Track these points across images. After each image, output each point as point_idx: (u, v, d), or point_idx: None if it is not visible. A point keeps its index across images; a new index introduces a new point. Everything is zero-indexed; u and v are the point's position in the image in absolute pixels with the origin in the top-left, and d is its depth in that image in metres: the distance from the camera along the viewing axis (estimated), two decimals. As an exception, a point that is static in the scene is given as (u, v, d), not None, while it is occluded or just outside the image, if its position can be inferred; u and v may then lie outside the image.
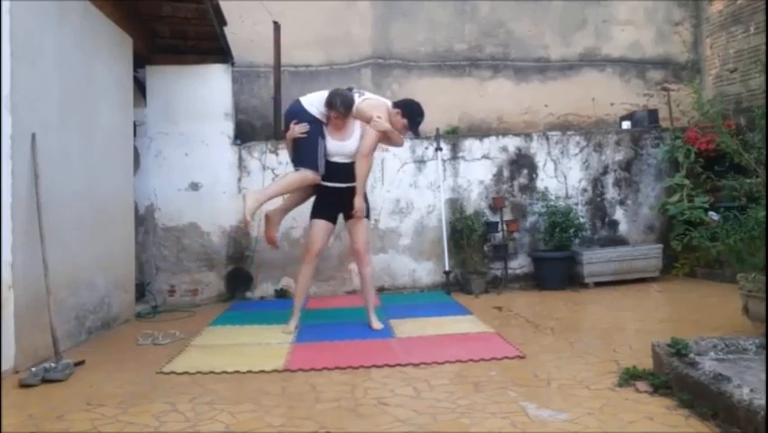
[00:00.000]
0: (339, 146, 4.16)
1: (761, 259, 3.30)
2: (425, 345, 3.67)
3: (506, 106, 7.04)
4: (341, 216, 4.33)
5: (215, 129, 5.86)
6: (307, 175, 4.12)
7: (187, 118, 5.79)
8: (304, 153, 4.14)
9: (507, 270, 6.00)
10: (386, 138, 4.27)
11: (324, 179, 4.17)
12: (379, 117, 4.12)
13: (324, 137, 4.15)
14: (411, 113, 4.26)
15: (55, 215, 3.62)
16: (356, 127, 4.21)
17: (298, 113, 4.19)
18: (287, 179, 4.24)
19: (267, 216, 4.36)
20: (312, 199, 4.37)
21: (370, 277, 4.29)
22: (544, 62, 7.14)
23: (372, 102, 4.25)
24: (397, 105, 4.30)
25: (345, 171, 4.19)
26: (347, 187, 4.20)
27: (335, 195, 4.22)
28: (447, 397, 2.71)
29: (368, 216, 4.35)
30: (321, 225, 4.22)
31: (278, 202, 4.52)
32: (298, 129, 4.12)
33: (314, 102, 4.19)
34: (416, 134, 4.48)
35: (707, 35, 6.98)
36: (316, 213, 4.27)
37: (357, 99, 4.18)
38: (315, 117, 4.15)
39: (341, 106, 4.05)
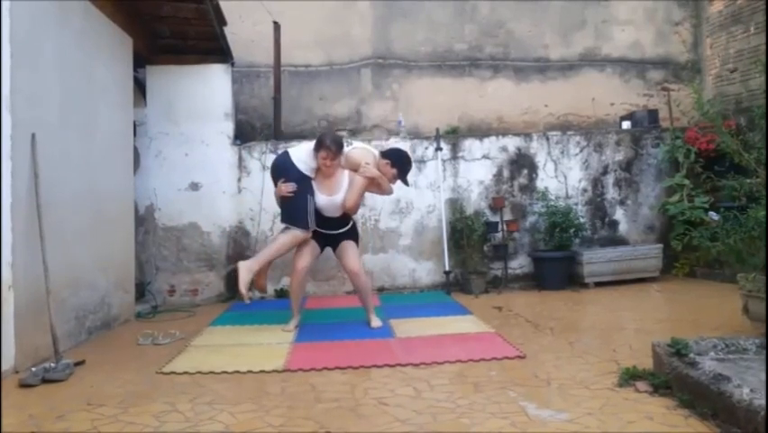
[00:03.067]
0: (329, 201, 4.14)
1: (761, 259, 3.30)
2: (425, 345, 3.67)
3: (506, 106, 7.04)
4: None
5: (215, 129, 5.86)
6: (298, 235, 4.11)
7: (187, 118, 5.79)
8: (293, 212, 4.12)
9: (507, 270, 6.01)
10: (375, 186, 4.26)
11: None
12: (367, 164, 4.11)
13: (312, 194, 4.12)
14: (401, 162, 4.25)
15: (55, 215, 3.62)
16: (344, 179, 4.16)
17: (286, 168, 4.14)
18: (278, 243, 4.17)
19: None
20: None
21: (366, 286, 4.28)
22: (544, 62, 7.15)
23: (360, 151, 4.24)
24: (385, 155, 4.27)
25: (335, 222, 4.23)
26: (337, 233, 4.24)
27: (325, 237, 4.26)
28: (447, 397, 2.71)
29: (357, 243, 4.34)
30: (309, 245, 4.21)
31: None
32: (285, 189, 4.09)
33: (302, 156, 4.14)
34: (406, 184, 4.42)
35: (707, 35, 6.98)
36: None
37: (345, 148, 4.18)
38: (303, 174, 4.11)
39: (332, 144, 4.02)
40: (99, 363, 3.48)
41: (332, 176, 4.14)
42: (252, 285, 4.37)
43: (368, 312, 4.29)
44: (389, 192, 4.45)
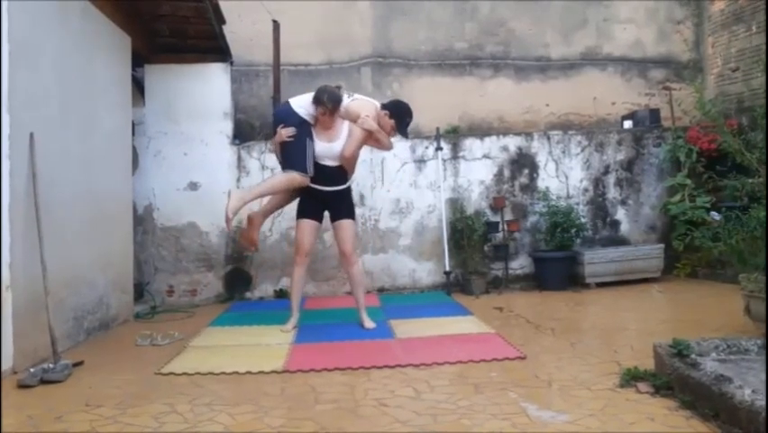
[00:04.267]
0: (327, 148, 4.15)
1: (762, 259, 3.28)
2: (425, 346, 3.66)
3: (506, 106, 7.02)
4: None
5: (214, 128, 5.85)
6: (295, 177, 4.09)
7: (186, 118, 5.78)
8: (292, 155, 4.12)
9: (508, 270, 5.99)
10: (373, 140, 4.26)
11: (311, 181, 4.15)
12: (367, 116, 4.12)
13: (312, 139, 4.13)
14: (399, 113, 4.25)
15: (53, 215, 3.61)
16: (344, 129, 4.19)
17: (286, 115, 4.16)
18: (273, 180, 4.20)
19: (249, 218, 4.34)
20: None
21: (358, 275, 4.30)
22: (545, 61, 7.13)
23: (361, 102, 4.25)
24: (385, 106, 4.30)
25: (332, 175, 4.20)
26: (334, 190, 4.21)
27: (321, 197, 4.22)
28: (447, 398, 2.69)
29: (353, 218, 4.34)
30: (307, 224, 4.22)
31: (259, 203, 4.48)
32: (285, 132, 4.09)
33: (302, 103, 4.17)
34: (405, 135, 4.45)
35: (708, 34, 6.96)
36: (302, 213, 4.27)
37: (345, 99, 4.17)
38: (303, 119, 4.12)
39: (328, 102, 4.02)
40: (98, 363, 3.47)
41: (331, 126, 4.15)
42: (244, 237, 4.37)
43: (360, 311, 4.28)
44: (389, 147, 4.47)
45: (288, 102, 4.30)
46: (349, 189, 4.38)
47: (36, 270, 3.36)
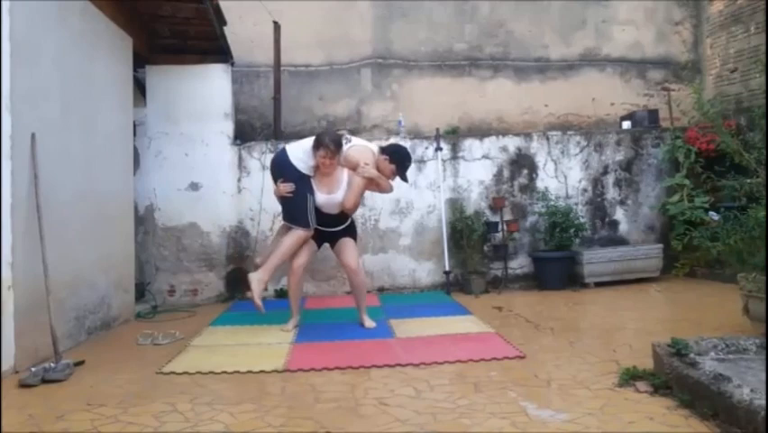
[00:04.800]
0: (328, 199, 4.14)
1: (761, 259, 3.29)
2: (425, 345, 3.67)
3: (506, 106, 7.04)
4: None
5: (215, 129, 5.86)
6: (300, 234, 4.11)
7: (186, 118, 5.79)
8: (293, 212, 4.14)
9: (508, 270, 6.00)
10: (374, 185, 4.25)
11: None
12: (366, 164, 4.10)
13: (312, 192, 4.12)
14: (399, 159, 4.25)
15: (55, 215, 3.62)
16: (343, 177, 4.16)
17: (285, 168, 4.14)
18: (284, 247, 4.14)
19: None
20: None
21: (362, 284, 4.28)
22: (544, 62, 7.14)
23: (359, 148, 4.22)
24: (384, 150, 4.28)
25: (335, 218, 4.23)
26: (337, 230, 4.25)
27: (323, 235, 4.27)
28: (447, 397, 2.71)
29: (355, 239, 4.34)
30: (307, 242, 4.21)
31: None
32: (284, 189, 4.10)
33: (299, 155, 4.13)
34: (405, 180, 4.40)
35: (707, 35, 6.98)
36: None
37: (344, 146, 4.15)
38: (301, 173, 4.10)
39: (330, 143, 4.00)
40: (99, 363, 3.48)
41: (331, 174, 4.13)
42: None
43: (360, 312, 4.30)
44: (389, 190, 4.44)
45: (285, 151, 4.24)
46: (352, 223, 4.39)
47: (37, 269, 3.37)
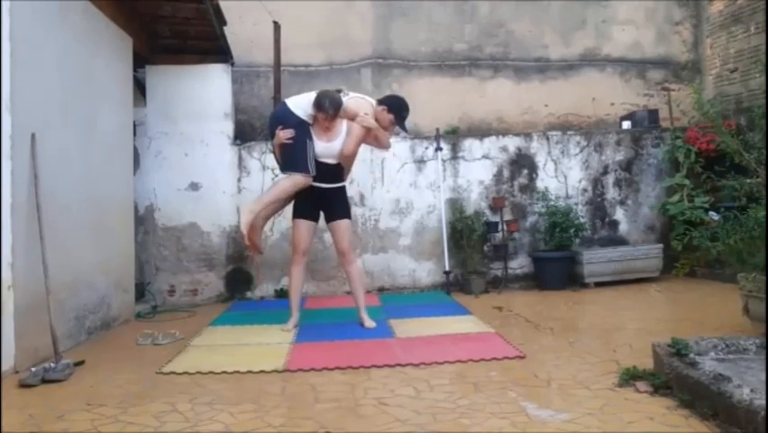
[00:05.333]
0: (326, 147, 4.16)
1: (761, 259, 3.29)
2: (425, 345, 3.67)
3: (506, 106, 7.03)
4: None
5: (215, 129, 5.86)
6: (299, 179, 4.11)
7: (186, 118, 5.79)
8: (293, 157, 4.13)
9: (507, 270, 6.00)
10: (372, 138, 4.27)
11: None
12: (365, 114, 4.13)
13: (311, 138, 4.13)
14: (397, 108, 4.27)
15: (55, 215, 3.62)
16: (342, 127, 4.19)
17: (284, 116, 4.16)
18: (279, 186, 4.19)
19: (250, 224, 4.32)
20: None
21: (357, 274, 4.31)
22: (544, 62, 7.14)
23: (357, 100, 4.26)
24: (382, 101, 4.32)
25: (331, 172, 4.22)
26: (331, 187, 4.23)
27: (319, 195, 4.23)
28: (447, 397, 2.71)
29: (349, 218, 4.36)
30: (304, 224, 4.25)
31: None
32: (284, 135, 4.09)
33: (300, 104, 4.17)
34: (404, 129, 4.45)
35: (707, 35, 6.97)
36: (299, 213, 4.28)
37: (343, 99, 4.18)
38: (301, 119, 4.12)
39: (329, 108, 4.03)
40: (99, 363, 3.48)
41: (330, 128, 4.16)
42: (248, 243, 4.37)
43: (360, 310, 4.29)
44: (387, 146, 4.48)
45: (284, 102, 4.30)
46: (344, 188, 4.41)
47: (37, 270, 3.37)
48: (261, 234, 4.49)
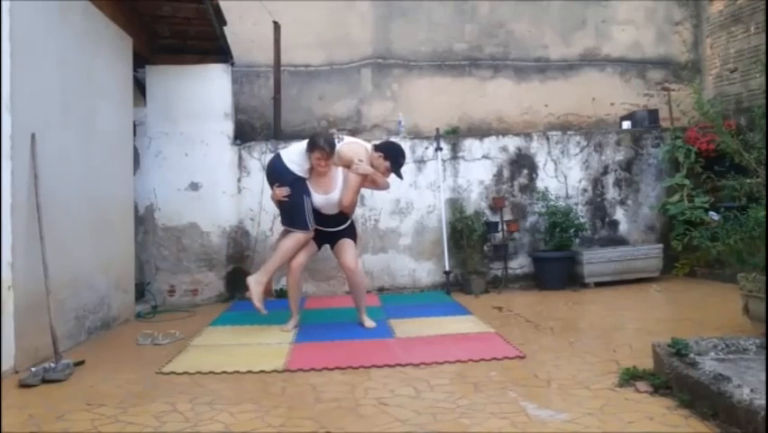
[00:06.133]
0: (324, 200, 4.14)
1: (761, 259, 3.29)
2: (425, 345, 3.67)
3: (506, 106, 7.04)
4: None
5: (215, 129, 5.86)
6: (300, 237, 4.11)
7: (186, 118, 5.79)
8: (292, 215, 4.13)
9: (507, 270, 6.00)
10: (370, 182, 4.25)
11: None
12: (360, 161, 4.10)
13: (308, 194, 4.12)
14: (394, 156, 4.24)
15: (55, 215, 3.62)
16: (338, 176, 4.17)
17: (280, 172, 4.15)
18: (282, 249, 4.15)
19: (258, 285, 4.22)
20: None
21: (361, 284, 4.27)
22: (544, 62, 7.14)
23: (352, 146, 4.22)
24: (378, 148, 4.27)
25: (334, 218, 4.23)
26: (336, 230, 4.25)
27: (324, 235, 4.26)
28: (447, 397, 2.71)
29: (355, 240, 4.33)
30: (306, 244, 4.21)
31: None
32: (280, 193, 4.10)
33: (294, 158, 4.14)
34: (399, 177, 4.37)
35: (707, 35, 6.98)
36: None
37: (337, 144, 4.15)
38: (297, 176, 4.11)
39: (325, 145, 4.00)
40: (99, 363, 3.48)
41: (326, 174, 4.13)
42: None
43: (360, 312, 4.30)
44: (386, 187, 4.44)
45: (278, 155, 4.25)
46: (351, 224, 4.38)
47: (37, 270, 3.37)
48: (272, 282, 4.56)
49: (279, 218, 4.38)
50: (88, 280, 4.15)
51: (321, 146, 4.00)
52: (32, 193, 3.41)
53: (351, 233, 4.34)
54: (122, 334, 4.35)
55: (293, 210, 4.11)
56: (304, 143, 4.14)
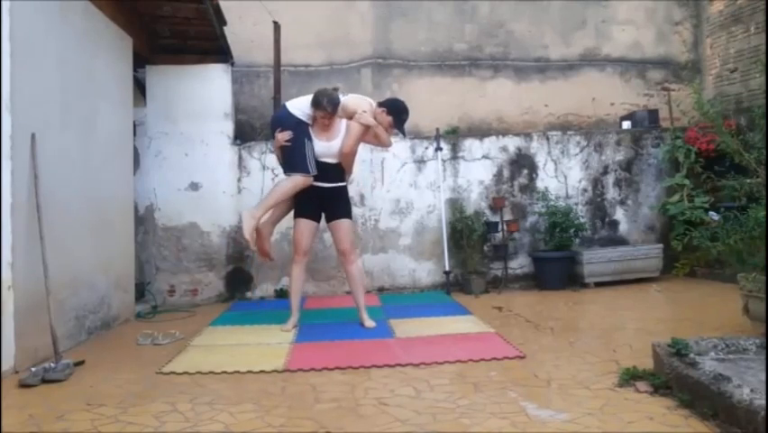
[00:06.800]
0: (326, 147, 4.17)
1: (761, 259, 3.29)
2: (425, 345, 3.67)
3: (506, 106, 7.03)
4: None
5: (215, 129, 5.86)
6: (298, 179, 4.12)
7: (186, 118, 5.79)
8: (293, 158, 4.14)
9: (507, 270, 6.00)
10: (372, 136, 4.28)
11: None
12: (363, 112, 4.13)
13: (310, 138, 4.15)
14: (396, 111, 4.27)
15: (55, 215, 3.62)
16: (341, 126, 4.21)
17: (282, 118, 4.19)
18: (280, 188, 4.20)
19: (257, 231, 4.29)
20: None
21: (357, 274, 4.30)
22: (544, 62, 7.14)
23: (356, 98, 4.27)
24: (382, 104, 4.32)
25: (332, 171, 4.24)
26: (332, 187, 4.24)
27: (320, 194, 4.24)
28: (447, 397, 2.71)
29: (350, 217, 4.37)
30: (305, 223, 4.25)
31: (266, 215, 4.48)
32: (281, 137, 4.12)
33: (298, 105, 4.19)
34: (402, 132, 4.45)
35: (707, 35, 6.97)
36: (300, 212, 4.28)
37: (341, 97, 4.19)
38: (299, 120, 4.14)
39: (327, 105, 4.04)
40: (99, 363, 3.48)
41: (329, 127, 4.17)
42: (258, 250, 4.38)
43: (360, 310, 4.30)
44: (388, 144, 4.49)
45: (284, 105, 4.32)
46: (346, 188, 4.41)
47: (37, 270, 3.37)
48: (270, 239, 4.46)
49: (282, 169, 4.34)
50: (88, 280, 4.15)
51: (324, 106, 4.04)
52: (31, 193, 3.41)
53: (346, 207, 4.33)
54: (122, 334, 4.35)
55: (295, 153, 4.11)
56: (311, 96, 4.16)
